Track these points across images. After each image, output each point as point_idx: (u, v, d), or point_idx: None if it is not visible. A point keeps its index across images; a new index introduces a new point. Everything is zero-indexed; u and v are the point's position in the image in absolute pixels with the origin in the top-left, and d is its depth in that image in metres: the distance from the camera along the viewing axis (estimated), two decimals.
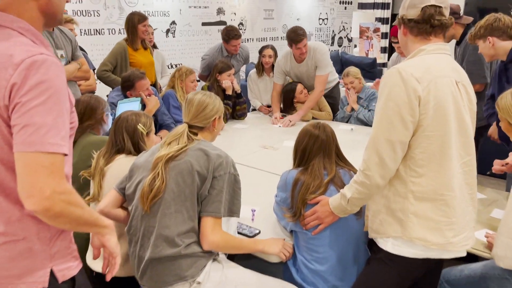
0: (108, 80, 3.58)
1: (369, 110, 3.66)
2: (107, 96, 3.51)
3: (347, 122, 3.78)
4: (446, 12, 1.52)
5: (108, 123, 2.32)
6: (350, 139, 3.13)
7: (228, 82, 3.67)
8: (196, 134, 1.72)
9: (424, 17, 1.50)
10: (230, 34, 4.09)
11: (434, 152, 1.46)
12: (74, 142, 2.19)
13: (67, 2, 2.86)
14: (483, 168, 3.36)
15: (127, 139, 1.94)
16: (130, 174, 1.73)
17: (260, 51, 4.12)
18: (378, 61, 7.71)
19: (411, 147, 1.48)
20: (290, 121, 3.67)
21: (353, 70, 3.77)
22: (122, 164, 1.88)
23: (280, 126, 3.67)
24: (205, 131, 1.76)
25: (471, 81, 1.66)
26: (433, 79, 1.45)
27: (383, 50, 8.66)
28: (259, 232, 1.89)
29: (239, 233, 1.87)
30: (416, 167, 1.48)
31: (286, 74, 4.01)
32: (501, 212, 2.16)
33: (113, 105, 2.99)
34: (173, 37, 5.79)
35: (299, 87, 3.84)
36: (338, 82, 4.20)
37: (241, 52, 4.39)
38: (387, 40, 8.68)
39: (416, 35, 1.54)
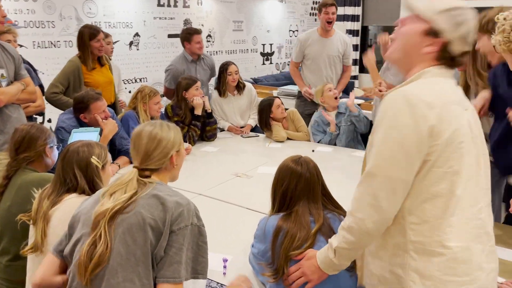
0: (59, 103, 3.19)
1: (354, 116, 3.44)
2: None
3: (334, 144, 3.49)
4: None
5: (53, 157, 1.97)
6: (331, 167, 2.86)
7: (199, 99, 3.37)
8: (149, 176, 1.41)
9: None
10: (191, 30, 3.94)
11: (441, 193, 1.20)
12: (7, 180, 1.84)
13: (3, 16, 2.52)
14: None
15: (80, 176, 1.62)
16: (70, 232, 1.38)
17: (225, 69, 3.78)
18: (353, 74, 7.59)
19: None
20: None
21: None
22: (73, 205, 1.52)
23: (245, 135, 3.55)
24: (162, 171, 1.44)
25: None
26: (447, 105, 1.18)
27: (354, 62, 8.57)
28: None
29: None
30: (418, 212, 1.21)
31: (304, 52, 3.96)
32: (504, 251, 1.94)
33: (63, 130, 2.63)
34: (137, 49, 5.44)
35: (276, 101, 3.56)
36: None
37: (205, 59, 4.13)
38: (358, 53, 8.60)
39: (431, 59, 1.25)
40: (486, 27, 2.02)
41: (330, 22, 3.83)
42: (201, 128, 3.45)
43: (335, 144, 3.43)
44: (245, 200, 2.33)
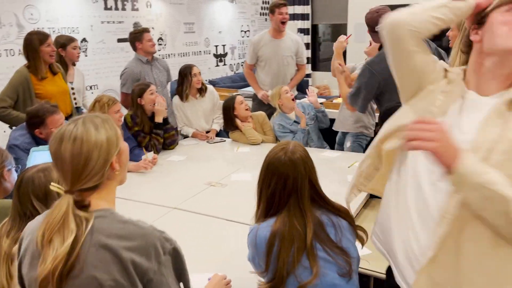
0: (9, 119, 2.92)
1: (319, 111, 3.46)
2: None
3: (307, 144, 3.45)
4: None
5: (12, 181, 1.77)
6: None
7: (161, 104, 3.20)
8: (87, 205, 1.07)
9: None
10: (139, 30, 3.87)
11: None
12: None
13: None
14: None
15: (40, 207, 1.38)
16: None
17: (188, 72, 3.64)
18: (306, 72, 7.65)
19: None
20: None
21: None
22: None
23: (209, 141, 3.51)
24: (103, 185, 1.10)
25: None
26: None
27: (307, 60, 8.66)
28: None
29: None
30: None
31: (257, 54, 3.98)
32: None
33: (17, 148, 2.40)
34: (85, 56, 5.14)
35: (238, 98, 3.48)
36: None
37: (159, 61, 4.02)
38: (310, 51, 8.69)
39: None
40: None
41: (284, 23, 3.85)
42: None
43: (307, 144, 3.40)
44: (224, 211, 2.23)
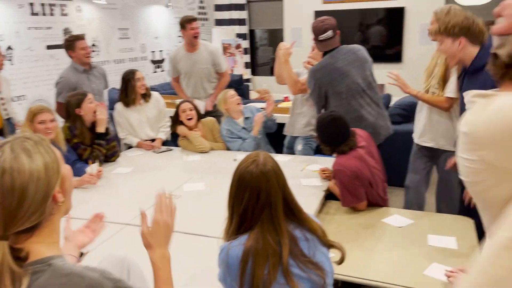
0: None
1: (270, 120, 3.45)
2: None
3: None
4: None
5: None
6: None
7: (102, 113, 3.03)
8: (24, 257, 0.89)
9: None
10: (71, 37, 3.77)
11: None
12: None
13: None
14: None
15: None
16: None
17: (132, 76, 3.51)
18: (244, 77, 7.65)
19: None
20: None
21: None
22: None
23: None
24: (43, 226, 0.92)
25: None
26: None
27: (246, 65, 8.66)
28: None
29: None
30: None
31: (177, 68, 4.05)
32: (441, 239, 2.06)
33: None
34: (11, 64, 4.75)
35: (183, 105, 3.43)
36: None
37: (97, 69, 3.93)
38: (249, 56, 8.72)
39: None
40: (452, 30, 2.07)
41: (196, 37, 3.92)
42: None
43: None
44: (181, 224, 2.12)
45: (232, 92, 3.47)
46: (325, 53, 2.88)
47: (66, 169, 0.98)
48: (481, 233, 2.19)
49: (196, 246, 1.92)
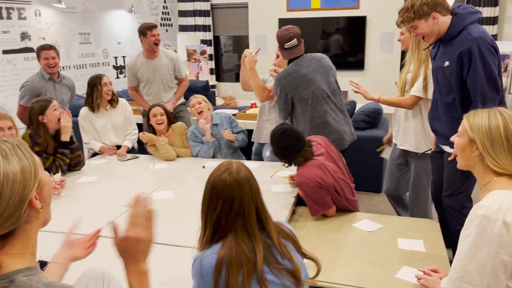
0: None
1: (238, 132, 3.41)
2: None
3: (213, 157, 3.39)
4: None
5: None
6: None
7: (67, 121, 2.93)
8: None
9: None
10: (39, 47, 3.69)
11: None
12: None
13: None
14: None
15: None
16: None
17: (98, 81, 3.46)
18: (210, 83, 7.60)
19: None
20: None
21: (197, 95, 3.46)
22: None
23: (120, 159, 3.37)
24: (18, 235, 0.89)
25: None
26: None
27: (211, 71, 8.63)
28: None
29: None
30: None
31: (136, 77, 3.99)
32: (410, 242, 2.10)
33: None
34: None
35: (154, 110, 3.35)
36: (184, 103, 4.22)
37: (66, 79, 3.88)
38: (213, 62, 8.69)
39: None
40: (421, 11, 2.10)
41: (157, 44, 3.91)
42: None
43: (213, 157, 3.36)
44: None
45: (196, 100, 3.40)
46: (290, 61, 2.92)
47: (45, 175, 0.95)
48: (446, 236, 2.27)
49: (166, 257, 1.88)
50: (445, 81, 2.19)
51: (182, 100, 4.22)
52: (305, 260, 1.50)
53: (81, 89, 6.25)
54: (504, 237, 1.23)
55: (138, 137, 3.49)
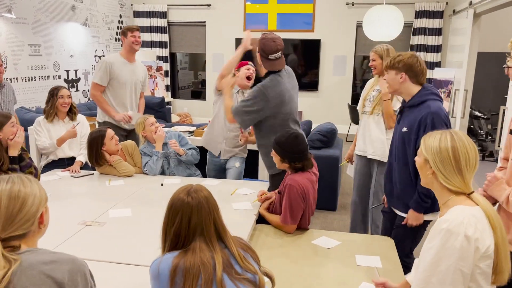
0: None
1: (189, 149, 3.38)
2: None
3: (162, 173, 3.36)
4: None
5: None
6: None
7: (20, 137, 2.79)
8: (17, 247, 1.15)
9: None
10: None
11: None
12: None
13: None
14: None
15: None
16: None
17: (56, 92, 3.44)
18: (166, 99, 7.53)
19: None
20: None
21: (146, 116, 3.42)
22: None
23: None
24: (29, 236, 1.19)
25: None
26: None
27: (166, 88, 8.55)
28: None
29: None
30: None
31: (110, 76, 3.75)
32: (368, 258, 2.16)
33: None
34: None
35: (109, 132, 3.20)
36: None
37: (6, 86, 3.66)
38: (169, 78, 8.62)
39: None
40: (397, 64, 2.29)
41: (136, 45, 3.86)
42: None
43: (162, 172, 3.35)
44: (107, 253, 2.00)
45: (151, 119, 3.37)
46: (269, 72, 2.81)
47: (47, 208, 1.26)
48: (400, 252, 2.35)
49: (124, 276, 1.81)
50: (401, 146, 2.32)
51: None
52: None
53: (30, 102, 5.98)
54: (465, 250, 1.30)
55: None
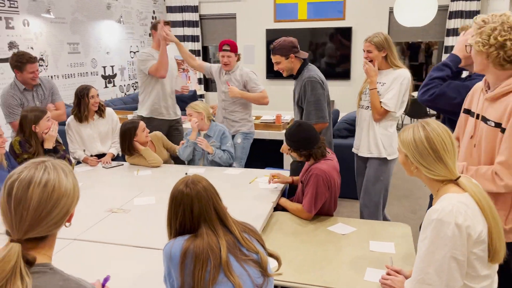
0: None
1: (224, 150, 3.42)
2: None
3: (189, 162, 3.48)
4: None
5: None
6: None
7: (54, 131, 2.99)
8: (31, 262, 0.98)
9: None
10: (23, 58, 3.44)
11: None
12: None
13: None
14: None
15: None
16: None
17: (85, 93, 3.50)
18: (198, 92, 7.69)
19: None
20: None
21: (194, 103, 3.48)
22: None
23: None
24: (48, 240, 1.04)
25: (310, 120, 2.58)
26: None
27: (200, 81, 8.72)
28: None
29: None
30: None
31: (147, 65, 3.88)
32: (381, 244, 2.18)
33: None
34: None
35: (141, 124, 3.36)
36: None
37: (43, 84, 3.72)
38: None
39: None
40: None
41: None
42: None
43: (192, 160, 3.45)
44: (129, 238, 2.13)
45: (188, 111, 3.44)
46: (302, 66, 3.06)
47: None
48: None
49: (148, 259, 1.93)
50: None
51: (179, 115, 4.27)
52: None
53: (70, 98, 6.29)
54: (457, 238, 1.31)
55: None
